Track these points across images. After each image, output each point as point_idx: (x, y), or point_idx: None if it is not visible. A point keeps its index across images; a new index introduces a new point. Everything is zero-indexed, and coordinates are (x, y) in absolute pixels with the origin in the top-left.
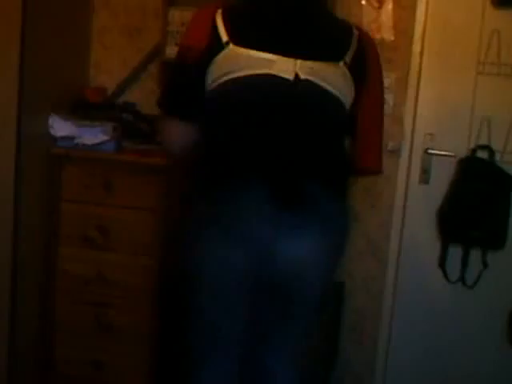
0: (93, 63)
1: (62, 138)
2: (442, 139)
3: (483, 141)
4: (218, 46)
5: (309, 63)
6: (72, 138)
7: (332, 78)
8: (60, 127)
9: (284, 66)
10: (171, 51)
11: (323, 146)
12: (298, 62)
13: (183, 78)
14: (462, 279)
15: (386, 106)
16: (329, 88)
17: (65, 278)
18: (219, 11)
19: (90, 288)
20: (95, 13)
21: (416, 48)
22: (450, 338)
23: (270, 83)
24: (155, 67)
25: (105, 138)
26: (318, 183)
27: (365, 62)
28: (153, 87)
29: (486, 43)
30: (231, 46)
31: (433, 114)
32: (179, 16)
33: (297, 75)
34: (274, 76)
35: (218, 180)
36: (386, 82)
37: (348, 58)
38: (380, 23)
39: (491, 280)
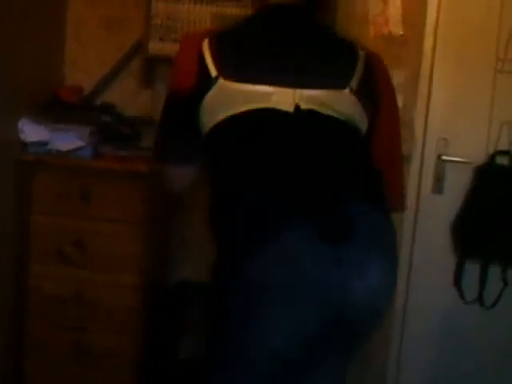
0: (67, 59)
1: (34, 143)
2: (456, 144)
3: (503, 146)
4: (208, 82)
5: (309, 92)
6: (45, 144)
7: (338, 104)
8: (31, 131)
9: (282, 98)
10: (155, 46)
11: (351, 163)
12: (298, 91)
13: (176, 124)
14: (480, 299)
15: None
16: (335, 115)
17: (38, 298)
18: (206, 41)
19: (67, 310)
20: (70, 3)
21: (427, 43)
22: (466, 365)
23: (269, 118)
24: (137, 64)
25: (81, 143)
26: (361, 202)
27: (374, 86)
28: (134, 86)
29: (505, 38)
30: (221, 81)
31: (447, 116)
32: (164, 8)
33: (297, 106)
34: (273, 110)
35: (265, 235)
36: (394, 81)
37: (354, 83)
38: (387, 16)
39: None
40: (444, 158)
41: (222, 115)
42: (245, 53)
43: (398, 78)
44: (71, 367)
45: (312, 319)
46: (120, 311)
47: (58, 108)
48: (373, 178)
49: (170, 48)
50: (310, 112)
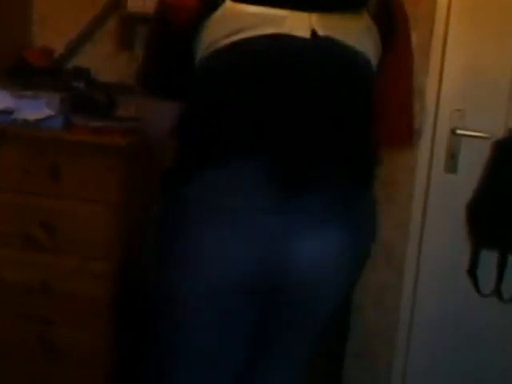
0: (36, 17)
1: None
2: (473, 116)
3: None
4: (212, 3)
5: (327, 16)
6: (9, 113)
7: (356, 31)
8: None
9: (297, 23)
10: (134, 3)
11: (351, 119)
12: (314, 15)
13: (168, 46)
14: (498, 292)
15: None
16: (354, 44)
17: (0, 286)
18: None
19: (32, 300)
20: None
21: (441, 1)
22: (481, 365)
23: (282, 44)
24: (114, 23)
25: (51, 111)
26: (344, 166)
27: (390, 11)
28: (111, 49)
29: None
30: (228, 1)
31: (462, 84)
32: None
33: (314, 32)
34: (287, 36)
35: (212, 158)
36: None
37: (371, 5)
38: None
39: None
40: (459, 131)
41: (224, 40)
42: None
43: None
44: (36, 363)
45: (247, 259)
46: (92, 302)
47: (25, 72)
48: (369, 148)
49: (151, 5)
50: (327, 38)
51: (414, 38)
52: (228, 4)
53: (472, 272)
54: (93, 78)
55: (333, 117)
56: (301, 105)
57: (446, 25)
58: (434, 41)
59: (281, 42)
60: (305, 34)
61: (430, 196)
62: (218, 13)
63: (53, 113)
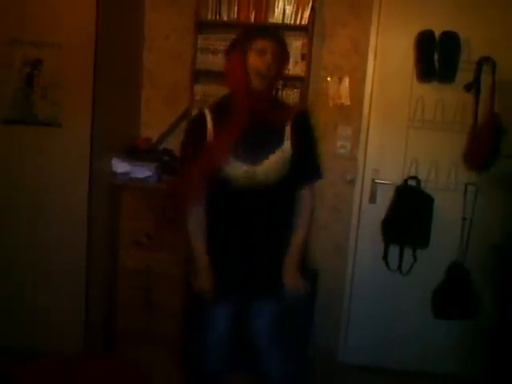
0: (142, 122)
1: (121, 173)
2: (384, 172)
3: (413, 173)
4: None
5: None
6: (128, 174)
7: None
8: (119, 166)
9: None
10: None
11: None
12: None
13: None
14: (399, 269)
15: (344, 150)
16: None
17: (123, 270)
18: None
19: (141, 277)
20: (144, 88)
21: (365, 109)
22: (391, 311)
23: None
24: (185, 124)
25: (150, 173)
26: None
27: None
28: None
29: (413, 106)
30: None
31: (378, 155)
32: (201, 89)
33: None
34: None
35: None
36: (344, 133)
37: None
38: (340, 93)
39: (419, 269)
40: (376, 181)
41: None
42: None
43: (346, 131)
44: (143, 314)
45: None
46: (174, 277)
47: (136, 151)
48: None
49: None
50: None
51: (351, 129)
52: None
53: (385, 257)
54: (174, 154)
55: None
56: None
57: (368, 122)
58: (362, 130)
59: None
60: None
61: (361, 216)
62: None
63: (151, 174)
